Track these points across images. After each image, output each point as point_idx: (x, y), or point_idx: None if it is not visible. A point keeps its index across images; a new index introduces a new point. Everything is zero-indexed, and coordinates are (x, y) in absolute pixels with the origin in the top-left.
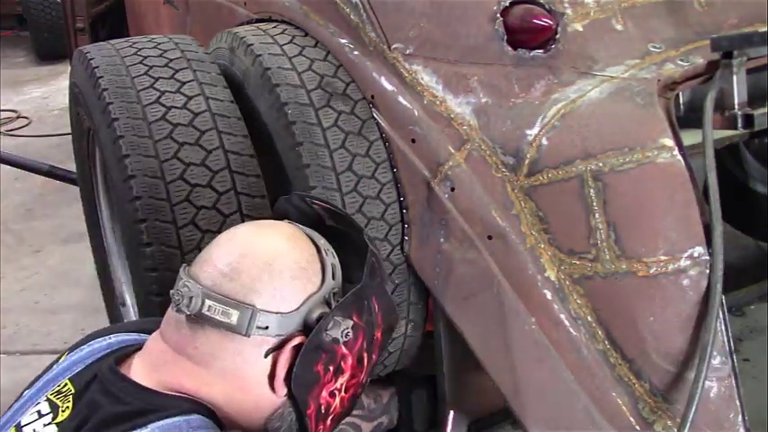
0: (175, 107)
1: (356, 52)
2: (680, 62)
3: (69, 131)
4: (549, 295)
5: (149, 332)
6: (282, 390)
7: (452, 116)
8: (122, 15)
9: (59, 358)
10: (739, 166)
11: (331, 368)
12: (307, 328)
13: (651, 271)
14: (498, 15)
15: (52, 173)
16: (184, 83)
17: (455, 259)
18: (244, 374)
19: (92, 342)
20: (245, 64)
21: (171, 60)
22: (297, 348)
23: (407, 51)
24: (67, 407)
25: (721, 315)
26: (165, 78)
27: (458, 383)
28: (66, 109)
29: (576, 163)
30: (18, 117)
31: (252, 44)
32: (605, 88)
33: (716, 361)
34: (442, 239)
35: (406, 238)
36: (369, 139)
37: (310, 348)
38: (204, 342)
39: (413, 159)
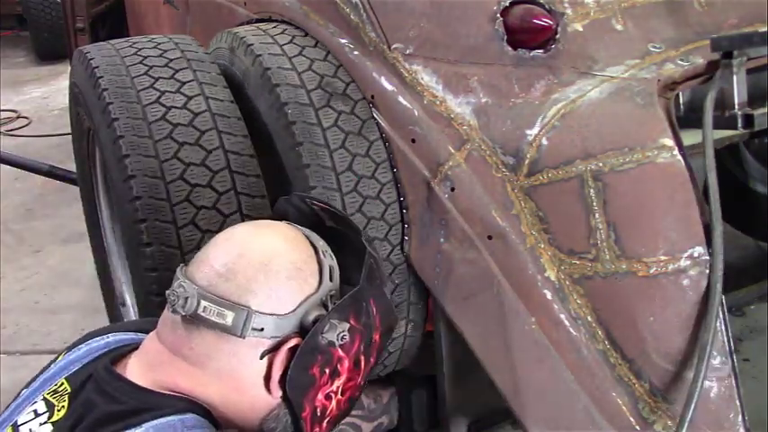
0: (175, 107)
1: (356, 52)
2: (680, 62)
3: (69, 131)
4: (549, 295)
5: (148, 332)
6: (278, 391)
7: (452, 116)
8: (122, 15)
9: (57, 357)
10: (739, 166)
11: (327, 371)
12: (303, 330)
13: (651, 271)
14: (498, 15)
15: (52, 173)
16: (184, 83)
17: (455, 259)
18: (239, 375)
19: (90, 341)
20: (245, 64)
21: (171, 60)
22: (293, 350)
23: (407, 51)
24: (63, 406)
25: (721, 315)
26: (165, 78)
27: (458, 383)
28: (66, 109)
29: (575, 163)
30: (18, 117)
31: (252, 44)
32: (605, 88)
33: (716, 361)
34: (441, 239)
35: (406, 238)
36: (369, 139)
37: (306, 351)
38: (200, 343)
39: (413, 159)
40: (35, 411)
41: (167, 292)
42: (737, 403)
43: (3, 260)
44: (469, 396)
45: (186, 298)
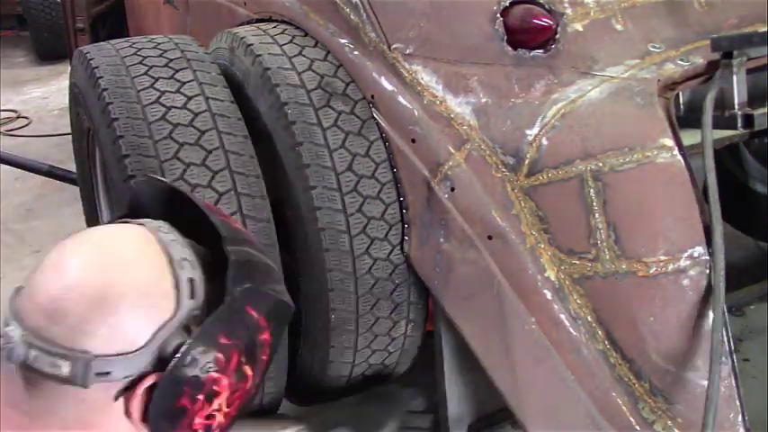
0: (175, 107)
1: (356, 52)
2: (680, 62)
3: (69, 131)
4: (549, 295)
5: None
6: (143, 429)
7: (452, 116)
8: (122, 15)
9: None
10: (739, 166)
11: (200, 397)
12: (162, 362)
13: (651, 271)
14: (498, 15)
15: (52, 173)
16: (184, 83)
17: (455, 259)
18: (92, 422)
19: None
20: (245, 64)
21: (171, 60)
22: (152, 387)
23: (407, 51)
24: None
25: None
26: (165, 78)
27: (458, 383)
28: (66, 109)
29: (575, 163)
30: (18, 117)
31: (252, 44)
32: (605, 88)
33: None
34: (442, 239)
35: (406, 237)
36: (369, 139)
37: (167, 388)
38: (38, 395)
39: (413, 159)
40: None
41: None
42: (737, 403)
43: (3, 260)
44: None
45: (11, 348)
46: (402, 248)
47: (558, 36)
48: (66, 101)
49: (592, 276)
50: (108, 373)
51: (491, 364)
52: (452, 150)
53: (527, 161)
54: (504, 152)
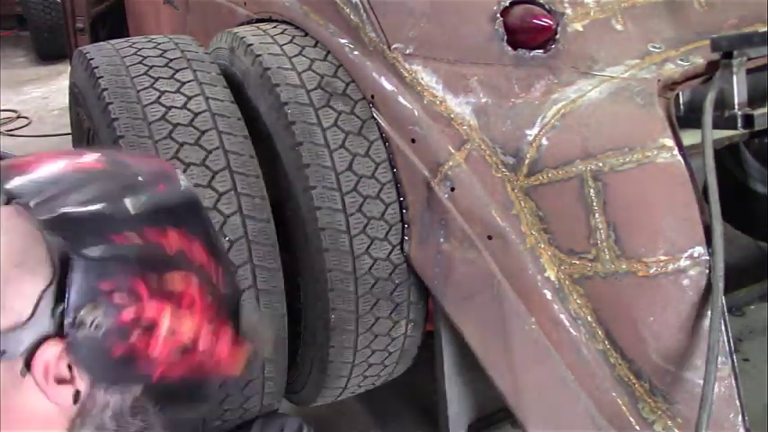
0: (175, 107)
1: (356, 52)
2: (680, 62)
3: (69, 131)
4: (549, 295)
5: None
6: (67, 397)
7: (452, 116)
8: (122, 15)
9: None
10: (739, 166)
11: (133, 340)
12: (60, 327)
13: (651, 271)
14: (498, 15)
15: None
16: (184, 83)
17: (455, 259)
18: (9, 405)
19: None
20: (245, 64)
21: (171, 60)
22: (63, 350)
23: (407, 51)
24: None
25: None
26: (164, 78)
27: (458, 383)
28: (66, 109)
29: (575, 163)
30: (18, 117)
31: (252, 44)
32: (605, 88)
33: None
34: (442, 239)
35: (406, 237)
36: (369, 139)
37: (83, 351)
38: None
39: (413, 159)
40: None
41: None
42: (737, 403)
43: None
44: (469, 396)
45: None
46: (402, 248)
47: (558, 36)
48: (66, 101)
49: (592, 276)
50: (3, 352)
51: (491, 364)
52: (452, 150)
53: (527, 161)
54: (504, 152)
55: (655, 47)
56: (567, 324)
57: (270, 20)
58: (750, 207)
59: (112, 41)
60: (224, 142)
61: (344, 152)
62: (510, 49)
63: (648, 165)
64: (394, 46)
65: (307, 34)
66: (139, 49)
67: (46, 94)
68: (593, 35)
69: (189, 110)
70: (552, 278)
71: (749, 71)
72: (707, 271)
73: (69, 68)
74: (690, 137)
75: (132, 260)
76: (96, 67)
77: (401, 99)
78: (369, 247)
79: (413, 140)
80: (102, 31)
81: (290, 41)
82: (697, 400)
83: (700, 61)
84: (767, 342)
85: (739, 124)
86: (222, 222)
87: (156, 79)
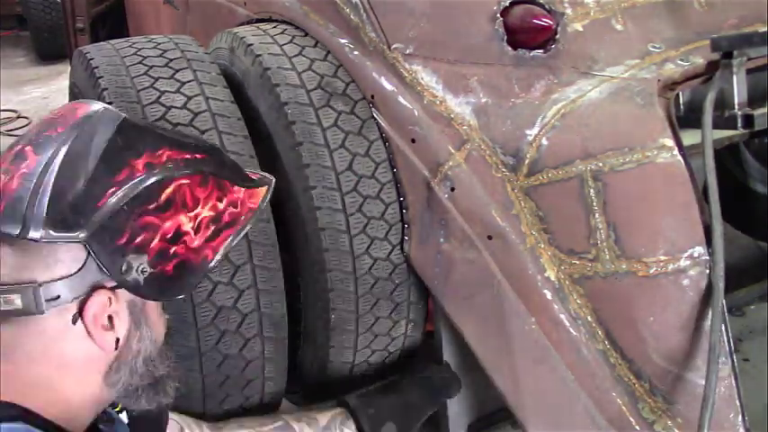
0: (175, 107)
1: (356, 52)
2: (680, 62)
3: None
4: (549, 295)
5: None
6: (111, 342)
7: (452, 116)
8: (122, 15)
9: None
10: (739, 166)
11: (175, 251)
12: (104, 275)
13: (651, 271)
14: (498, 15)
15: None
16: (184, 83)
17: (455, 259)
18: (55, 351)
19: None
20: (245, 64)
21: (171, 60)
22: (110, 295)
23: (407, 51)
24: None
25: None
26: (164, 78)
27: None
28: None
29: (575, 163)
30: (18, 117)
31: (252, 44)
32: (605, 88)
33: None
34: (442, 239)
35: (406, 237)
36: (369, 139)
37: (140, 288)
38: (1, 334)
39: (413, 159)
40: None
41: None
42: (737, 403)
43: None
44: (469, 396)
45: None
46: (402, 248)
47: (558, 36)
48: (66, 101)
49: (592, 276)
50: (58, 297)
51: (491, 364)
52: (452, 150)
53: (527, 161)
54: (504, 152)
55: (655, 47)
56: (567, 324)
57: (270, 20)
58: (750, 207)
59: (112, 41)
60: (224, 142)
61: (344, 152)
62: (510, 49)
63: (648, 165)
64: (394, 46)
65: (307, 34)
66: (139, 49)
67: (46, 94)
68: (593, 35)
69: (189, 110)
70: (552, 278)
71: (749, 71)
72: (707, 271)
73: (69, 68)
74: (690, 137)
75: (125, 208)
76: (96, 67)
77: (401, 99)
78: (369, 246)
79: (413, 140)
80: (102, 31)
81: (290, 41)
82: (697, 400)
83: (700, 61)
84: (767, 342)
85: (739, 124)
86: None
87: (156, 79)
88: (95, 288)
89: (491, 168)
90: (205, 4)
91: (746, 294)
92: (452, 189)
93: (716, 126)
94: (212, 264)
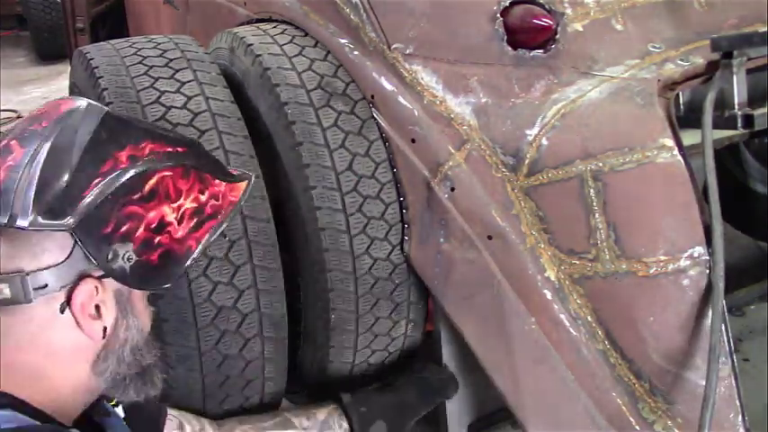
0: (175, 107)
1: (356, 52)
2: (680, 62)
3: None
4: (549, 295)
5: None
6: (98, 331)
7: (452, 116)
8: (122, 15)
9: None
10: (739, 166)
11: (159, 240)
12: (90, 263)
13: (651, 271)
14: (498, 15)
15: None
16: (184, 83)
17: (455, 259)
18: (43, 339)
19: None
20: (245, 64)
21: (171, 60)
22: (98, 283)
23: (407, 51)
24: None
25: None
26: (164, 78)
27: (458, 383)
28: None
29: (575, 163)
30: (18, 117)
31: (252, 44)
32: (605, 88)
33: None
34: (442, 239)
35: (406, 237)
36: (369, 139)
37: (124, 276)
38: None
39: (413, 159)
40: None
41: None
42: (737, 403)
43: None
44: (469, 396)
45: None
46: (402, 248)
47: (558, 36)
48: None
49: (592, 276)
50: (45, 285)
51: (491, 364)
52: (452, 150)
53: (527, 161)
54: (504, 152)
55: (655, 47)
56: (567, 324)
57: (270, 20)
58: (750, 207)
59: (112, 41)
60: (224, 142)
61: (344, 152)
62: (510, 49)
63: (648, 165)
64: (394, 46)
65: (307, 34)
66: (139, 49)
67: (46, 94)
68: (593, 35)
69: (189, 110)
70: (552, 278)
71: (749, 71)
72: (707, 271)
73: (69, 68)
74: (690, 137)
75: (110, 198)
76: (96, 67)
77: (401, 99)
78: (369, 247)
79: (413, 140)
80: (102, 31)
81: (290, 41)
82: (697, 401)
83: (700, 61)
84: (767, 342)
85: (739, 124)
86: None
87: (156, 79)
88: (82, 277)
89: (491, 168)
90: (205, 4)
91: (746, 294)
92: (452, 189)
93: (716, 126)
94: (195, 254)
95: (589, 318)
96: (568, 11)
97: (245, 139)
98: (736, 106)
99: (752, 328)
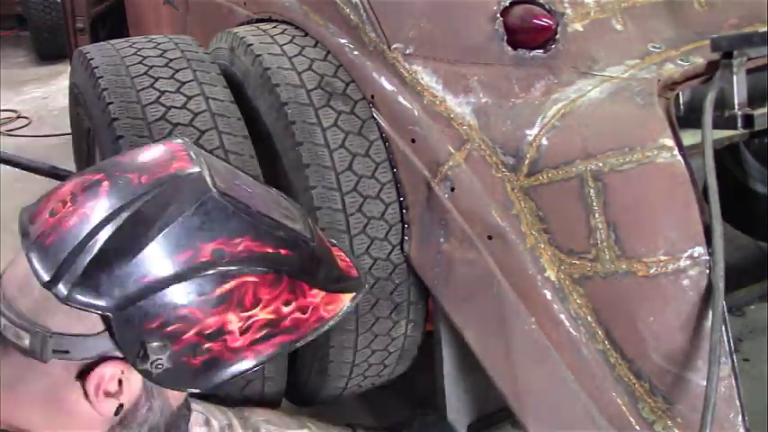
0: (175, 107)
1: (356, 52)
2: (680, 62)
3: (69, 131)
4: (549, 295)
5: None
6: (110, 410)
7: (452, 116)
8: (122, 15)
9: None
10: (739, 166)
11: (209, 346)
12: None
13: (651, 271)
14: (498, 15)
15: (53, 173)
16: (184, 83)
17: (455, 259)
18: (56, 397)
19: None
20: (245, 64)
21: (171, 60)
22: (124, 366)
23: (407, 51)
24: None
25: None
26: (164, 78)
27: (458, 383)
28: (66, 109)
29: (575, 163)
30: (18, 117)
31: (252, 44)
32: (605, 88)
33: None
34: (442, 239)
35: (406, 237)
36: (369, 139)
37: (155, 376)
38: (8, 363)
39: (413, 159)
40: None
41: None
42: (737, 403)
43: (3, 260)
44: (469, 396)
45: None
46: (402, 248)
47: (558, 36)
48: (67, 101)
49: (592, 276)
50: (66, 351)
51: (491, 364)
52: (452, 150)
53: (527, 161)
54: (504, 152)
55: (655, 47)
56: (567, 324)
57: (270, 20)
58: (750, 207)
59: (112, 41)
60: (224, 142)
61: (344, 152)
62: (510, 49)
63: (648, 165)
64: (394, 46)
65: (307, 34)
66: (139, 49)
67: (46, 94)
68: (593, 35)
69: (189, 110)
70: (552, 278)
71: (749, 71)
72: (707, 271)
73: (69, 68)
74: (690, 137)
75: (167, 293)
76: (96, 67)
77: (401, 99)
78: (369, 246)
79: (413, 140)
80: (102, 31)
81: (290, 41)
82: (697, 401)
83: (700, 61)
84: (767, 342)
85: (739, 124)
86: None
87: (156, 79)
88: (105, 359)
89: (491, 168)
90: (205, 4)
91: (746, 294)
92: (452, 189)
93: (716, 126)
94: (249, 368)
95: (589, 318)
96: (568, 11)
97: (245, 139)
98: (736, 106)
99: (752, 328)
